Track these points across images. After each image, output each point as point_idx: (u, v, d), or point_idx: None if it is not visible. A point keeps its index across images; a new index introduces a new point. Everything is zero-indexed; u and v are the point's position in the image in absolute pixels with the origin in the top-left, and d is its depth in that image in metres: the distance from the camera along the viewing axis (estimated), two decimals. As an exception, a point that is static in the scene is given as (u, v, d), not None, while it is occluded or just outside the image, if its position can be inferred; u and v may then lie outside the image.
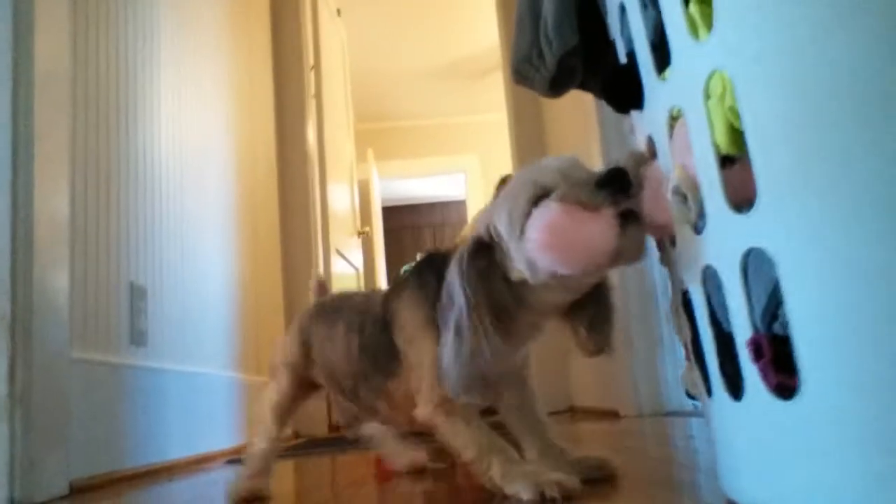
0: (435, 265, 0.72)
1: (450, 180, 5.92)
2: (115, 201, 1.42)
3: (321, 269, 2.74)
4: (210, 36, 2.11)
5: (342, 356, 0.82)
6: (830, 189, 0.43)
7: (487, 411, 0.75)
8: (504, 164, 3.93)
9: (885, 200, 0.41)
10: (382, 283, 4.75)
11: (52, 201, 1.15)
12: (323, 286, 0.96)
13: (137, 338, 1.45)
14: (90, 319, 1.29)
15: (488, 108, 5.11)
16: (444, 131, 5.55)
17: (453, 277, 0.66)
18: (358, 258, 3.49)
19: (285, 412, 0.91)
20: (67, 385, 1.14)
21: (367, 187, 4.48)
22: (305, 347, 0.88)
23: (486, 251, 0.67)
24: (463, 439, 0.69)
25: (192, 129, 1.89)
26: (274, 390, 0.91)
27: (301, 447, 1.92)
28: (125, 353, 1.40)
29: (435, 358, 0.67)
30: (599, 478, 0.74)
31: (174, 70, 1.79)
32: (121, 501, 1.07)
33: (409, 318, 0.73)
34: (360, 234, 3.54)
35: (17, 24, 1.12)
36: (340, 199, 3.19)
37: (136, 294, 1.46)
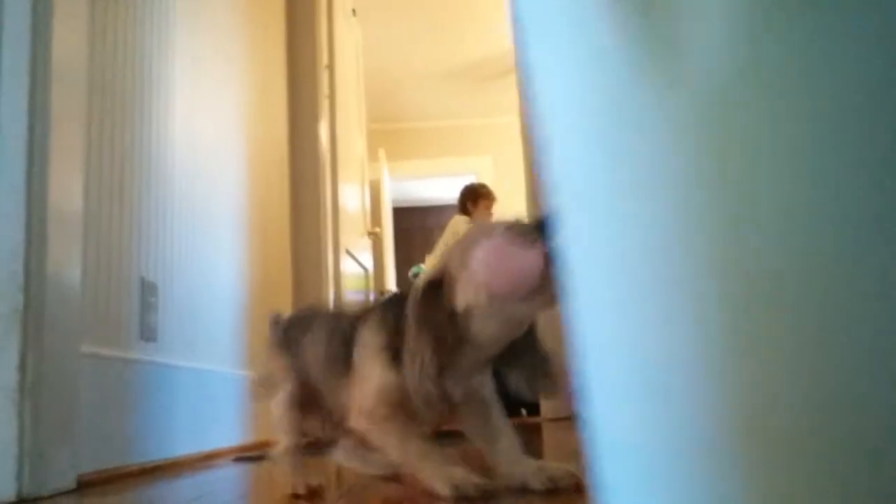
0: (402, 301, 0.82)
1: (461, 182, 5.91)
2: (128, 196, 1.43)
3: (331, 269, 2.74)
4: (225, 33, 2.12)
5: (312, 360, 0.93)
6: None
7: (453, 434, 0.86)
8: (516, 166, 3.93)
9: None
10: (391, 284, 4.76)
11: (67, 195, 1.15)
12: (277, 318, 1.05)
13: (147, 333, 1.45)
14: (101, 314, 1.29)
15: (502, 110, 5.11)
16: (456, 133, 5.55)
17: (408, 310, 0.78)
18: (367, 259, 3.49)
19: (297, 412, 0.97)
20: (77, 379, 1.15)
21: (378, 187, 4.48)
22: (286, 353, 0.98)
23: (437, 288, 0.77)
24: (389, 443, 0.80)
25: (206, 126, 1.90)
26: (280, 395, 0.97)
27: (303, 447, 1.92)
28: (135, 349, 1.40)
29: (378, 377, 0.79)
30: (563, 487, 0.80)
31: (189, 67, 1.79)
32: (128, 496, 1.07)
33: (368, 339, 0.84)
34: (370, 234, 3.54)
35: (35, 19, 1.13)
36: (351, 198, 3.20)
37: (147, 289, 1.46)
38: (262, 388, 1.04)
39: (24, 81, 1.10)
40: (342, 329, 0.89)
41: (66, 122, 1.16)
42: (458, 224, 3.55)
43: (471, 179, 5.60)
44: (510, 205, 4.50)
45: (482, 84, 4.91)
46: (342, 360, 0.87)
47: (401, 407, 0.78)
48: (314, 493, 0.91)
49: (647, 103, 0.28)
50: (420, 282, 0.79)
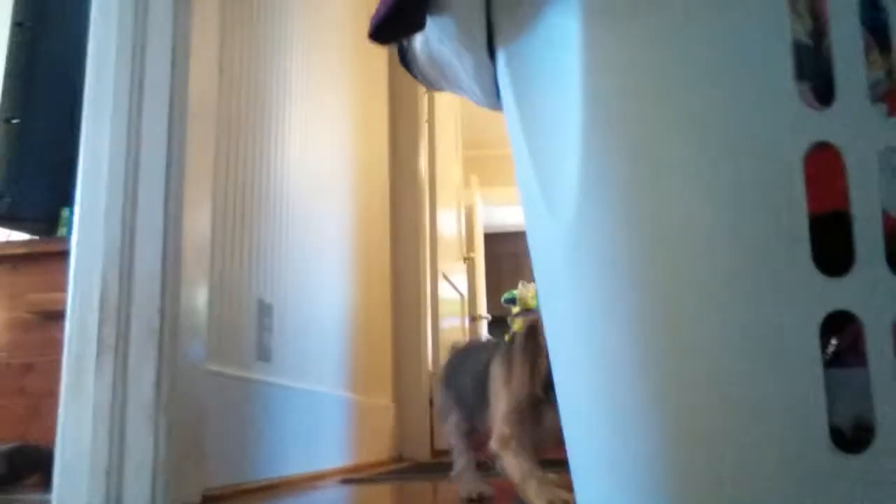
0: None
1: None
2: (248, 222, 1.48)
3: (428, 294, 2.76)
4: (334, 64, 2.19)
5: (462, 388, 1.08)
6: None
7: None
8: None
9: None
10: (483, 309, 4.75)
11: (198, 221, 1.21)
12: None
13: (263, 353, 1.49)
14: (224, 334, 1.34)
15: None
16: (547, 159, 5.51)
17: (516, 343, 0.93)
18: (463, 283, 3.50)
19: (463, 438, 1.12)
20: (203, 397, 1.19)
21: (472, 213, 4.50)
22: (450, 385, 1.13)
23: (534, 334, 0.91)
24: (512, 466, 0.92)
25: (317, 154, 1.96)
26: (451, 420, 1.13)
27: (404, 471, 1.92)
28: (252, 368, 1.44)
29: (505, 406, 0.92)
30: None
31: (303, 100, 1.86)
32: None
33: (497, 373, 0.96)
34: (465, 259, 3.55)
35: (174, 58, 1.20)
36: (448, 224, 3.22)
37: (264, 310, 1.51)
38: (437, 416, 1.22)
39: (164, 115, 1.17)
40: (483, 363, 1.01)
41: (198, 155, 1.22)
42: None
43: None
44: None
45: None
46: (482, 390, 0.99)
47: (521, 428, 0.92)
48: (483, 500, 1.06)
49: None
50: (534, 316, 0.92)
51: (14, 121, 2.00)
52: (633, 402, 0.53)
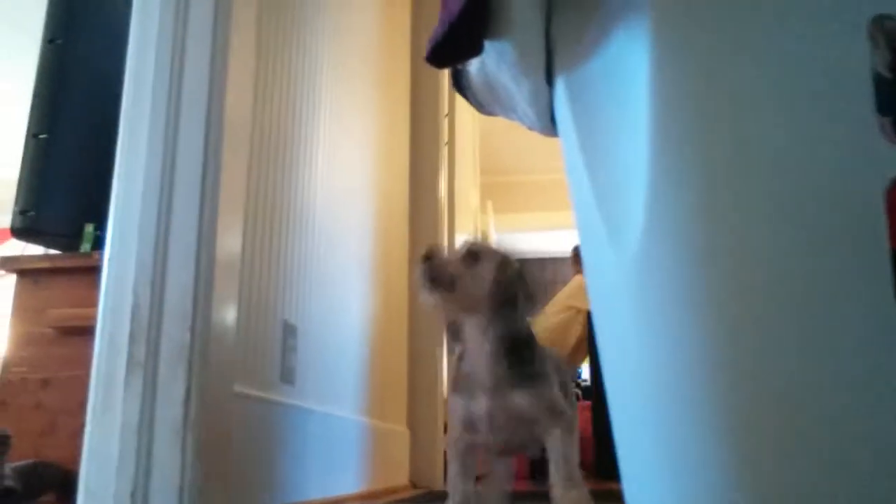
0: None
1: (565, 236, 5.86)
2: (276, 243, 1.48)
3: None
4: (360, 89, 2.20)
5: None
6: None
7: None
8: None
9: None
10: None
11: (230, 240, 1.21)
12: None
13: (287, 375, 1.48)
14: (249, 354, 1.33)
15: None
16: (562, 186, 5.53)
17: None
18: (477, 309, 3.47)
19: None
20: (229, 418, 1.17)
21: (486, 239, 4.49)
22: None
23: None
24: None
25: (342, 176, 1.96)
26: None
27: (419, 499, 1.89)
28: (276, 390, 1.43)
29: None
30: None
31: (331, 123, 1.87)
32: (276, 539, 1.08)
33: None
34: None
35: (212, 78, 1.20)
36: (465, 249, 3.21)
37: (288, 332, 1.50)
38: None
39: (199, 137, 1.17)
40: None
41: (232, 175, 1.22)
42: (574, 283, 3.54)
43: (575, 233, 5.54)
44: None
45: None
46: None
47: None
48: None
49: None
50: None
51: (41, 136, 2.02)
52: (698, 439, 0.51)
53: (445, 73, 3.04)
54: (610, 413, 0.63)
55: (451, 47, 0.66)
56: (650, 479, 0.55)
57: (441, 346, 2.68)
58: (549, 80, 0.69)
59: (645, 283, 0.55)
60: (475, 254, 1.03)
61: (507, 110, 0.75)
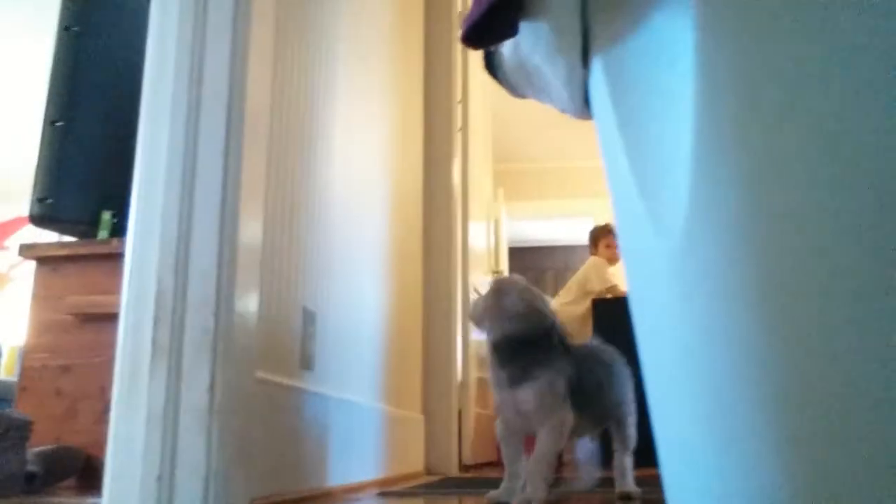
0: None
1: (576, 224, 5.84)
2: (296, 228, 1.48)
3: (459, 306, 2.74)
4: (376, 76, 2.19)
5: None
6: None
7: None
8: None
9: None
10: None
11: (251, 227, 1.20)
12: None
13: (306, 362, 1.48)
14: (270, 340, 1.32)
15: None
16: (573, 174, 5.51)
17: None
18: (491, 297, 3.47)
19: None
20: (252, 404, 1.17)
21: (498, 227, 4.48)
22: None
23: None
24: None
25: (359, 164, 1.95)
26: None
27: (437, 485, 1.89)
28: (296, 376, 1.43)
29: None
30: None
31: (347, 111, 1.86)
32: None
33: None
34: (494, 273, 3.53)
35: (232, 69, 1.19)
36: (478, 236, 3.20)
37: (308, 319, 1.50)
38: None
39: (221, 122, 1.17)
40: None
41: (252, 163, 1.21)
42: (589, 264, 3.55)
43: (586, 221, 5.53)
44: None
45: (602, 125, 4.85)
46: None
47: None
48: None
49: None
50: None
51: (58, 123, 2.02)
52: (744, 425, 0.50)
53: (458, 60, 3.02)
54: (648, 399, 0.62)
55: (488, 28, 0.65)
56: (694, 467, 0.54)
57: (455, 333, 2.68)
58: (585, 60, 0.68)
59: (689, 269, 0.54)
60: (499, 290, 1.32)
61: (540, 92, 0.73)
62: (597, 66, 0.66)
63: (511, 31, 0.65)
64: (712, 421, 0.53)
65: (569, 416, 1.24)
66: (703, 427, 0.53)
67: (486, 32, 0.66)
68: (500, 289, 1.31)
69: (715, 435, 0.52)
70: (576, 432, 1.32)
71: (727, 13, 0.54)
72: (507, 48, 0.71)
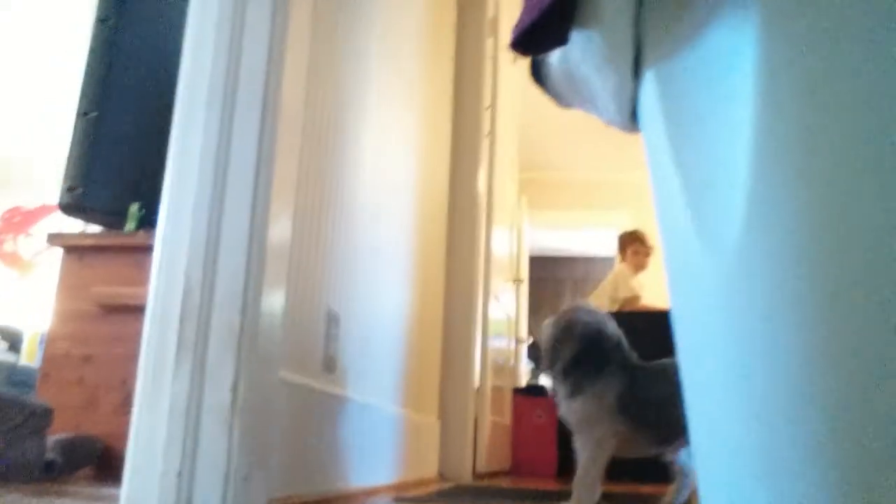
0: None
1: (598, 236, 5.80)
2: (324, 230, 1.47)
3: (479, 313, 2.73)
4: (406, 81, 2.18)
5: None
6: None
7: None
8: (657, 223, 3.78)
9: None
10: (523, 332, 4.69)
11: (280, 227, 1.20)
12: None
13: (328, 363, 1.47)
14: (294, 341, 1.32)
15: (646, 166, 4.99)
16: (596, 186, 5.47)
17: None
18: (511, 305, 3.45)
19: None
20: (274, 404, 1.17)
21: (520, 235, 4.46)
22: None
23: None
24: None
25: (387, 169, 1.95)
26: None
27: (452, 493, 1.88)
28: (318, 378, 1.42)
29: None
30: None
31: (378, 114, 1.85)
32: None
33: None
34: (515, 281, 3.51)
35: (269, 71, 1.19)
36: (501, 244, 3.19)
37: (332, 320, 1.49)
38: None
39: (255, 121, 1.16)
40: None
41: (285, 163, 1.21)
42: (617, 271, 3.55)
43: (608, 233, 5.49)
44: (652, 261, 4.36)
45: (627, 139, 4.82)
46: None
47: None
48: None
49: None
50: None
51: (91, 115, 2.03)
52: (795, 446, 0.48)
53: (489, 65, 3.01)
54: (688, 414, 0.60)
55: (539, 35, 0.64)
56: (738, 487, 0.52)
57: (474, 340, 2.67)
58: (636, 72, 0.66)
59: (743, 286, 0.52)
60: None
61: (587, 103, 0.72)
62: (649, 77, 0.64)
63: (561, 40, 0.64)
64: (759, 440, 0.51)
65: (612, 430, 1.30)
66: (750, 453, 0.51)
67: (535, 39, 0.65)
68: (572, 316, 1.42)
69: (764, 459, 0.50)
70: (634, 449, 1.37)
71: (792, 27, 0.52)
72: (555, 57, 0.69)
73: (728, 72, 0.55)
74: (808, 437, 0.48)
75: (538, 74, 0.73)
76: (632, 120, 0.71)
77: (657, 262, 4.27)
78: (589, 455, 1.29)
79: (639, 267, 3.63)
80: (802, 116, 0.51)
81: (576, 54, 0.67)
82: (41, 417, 1.56)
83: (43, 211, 5.19)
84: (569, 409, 1.33)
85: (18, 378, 2.98)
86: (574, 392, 1.32)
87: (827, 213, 0.49)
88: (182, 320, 1.09)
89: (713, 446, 0.56)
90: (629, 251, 3.68)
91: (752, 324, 0.52)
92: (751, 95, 0.53)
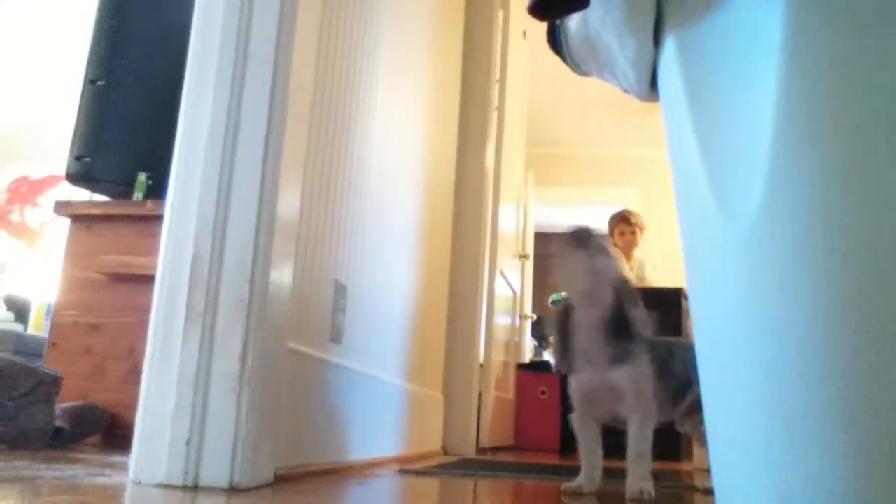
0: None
1: (604, 212, 5.78)
2: (332, 202, 1.46)
3: (485, 288, 2.73)
4: (416, 54, 2.16)
5: None
6: None
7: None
8: (665, 199, 3.76)
9: None
10: (528, 308, 4.69)
11: (289, 198, 1.19)
12: None
13: (336, 335, 1.47)
14: (302, 312, 1.32)
15: (653, 143, 4.95)
16: (604, 162, 5.44)
17: None
18: (517, 281, 3.45)
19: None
20: (282, 375, 1.17)
21: (526, 211, 4.45)
22: None
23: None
24: None
25: (396, 142, 1.93)
26: None
27: (456, 466, 1.89)
28: (325, 349, 1.42)
29: None
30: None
31: (387, 89, 1.83)
32: (327, 496, 1.08)
33: None
34: (521, 257, 3.50)
35: (279, 42, 1.17)
36: (507, 219, 3.18)
37: (339, 292, 1.49)
38: None
39: (265, 92, 1.15)
40: None
41: (294, 135, 1.20)
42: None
43: (615, 210, 5.46)
44: (659, 238, 4.35)
45: (634, 115, 4.78)
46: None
47: None
48: None
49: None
50: None
51: (98, 83, 2.02)
52: (811, 422, 0.48)
53: (498, 39, 2.98)
54: (703, 391, 0.60)
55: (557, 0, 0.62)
56: (755, 465, 0.52)
57: (480, 315, 2.67)
58: (656, 40, 0.65)
59: (761, 255, 0.51)
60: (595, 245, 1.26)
61: (605, 70, 0.71)
62: (669, 46, 0.63)
63: (583, 3, 0.63)
64: (776, 423, 0.50)
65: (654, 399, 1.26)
66: (768, 427, 0.51)
67: (554, 3, 0.63)
68: (605, 263, 1.27)
69: (781, 434, 0.49)
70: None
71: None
72: (574, 22, 0.68)
73: (754, 38, 0.54)
74: (818, 399, 0.47)
75: (555, 41, 0.71)
76: (651, 89, 0.70)
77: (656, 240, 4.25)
78: (648, 423, 1.22)
79: (629, 246, 3.59)
80: (828, 84, 0.50)
81: (595, 19, 0.65)
82: (50, 385, 1.57)
83: (50, 181, 5.19)
84: (614, 377, 1.21)
85: (26, 348, 3.00)
86: (622, 358, 1.21)
87: (849, 180, 0.48)
88: (191, 289, 1.08)
89: (723, 409, 0.56)
90: (616, 234, 3.65)
91: (769, 291, 0.51)
92: (776, 63, 0.51)
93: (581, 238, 1.24)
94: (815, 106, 0.51)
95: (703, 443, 1.44)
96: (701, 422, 1.41)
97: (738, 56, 0.55)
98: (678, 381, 1.30)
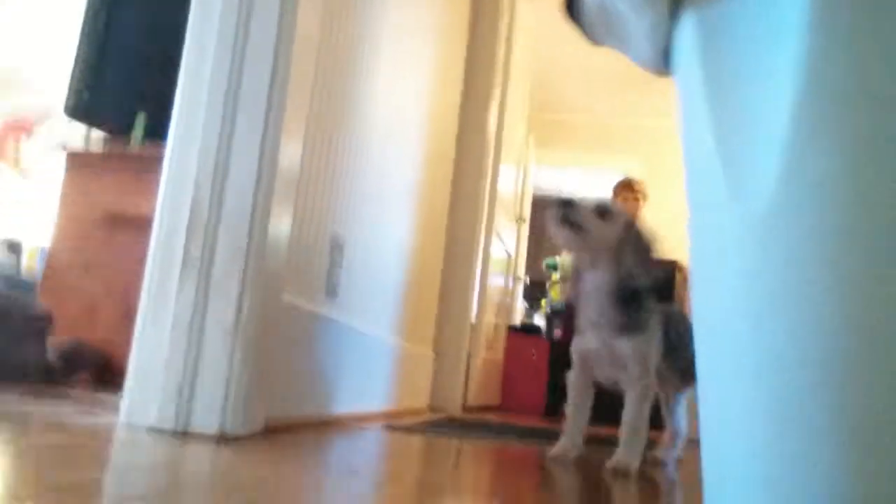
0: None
1: (604, 180, 5.76)
2: (333, 155, 1.45)
3: (481, 250, 2.73)
4: (423, 12, 2.12)
5: None
6: None
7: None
8: (667, 170, 3.75)
9: None
10: (521, 272, 4.71)
11: (291, 147, 1.18)
12: None
13: (331, 289, 1.48)
14: (298, 264, 1.32)
15: (656, 112, 4.91)
16: (606, 130, 5.39)
17: None
18: (512, 244, 3.45)
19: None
20: (276, 326, 1.17)
21: (525, 173, 4.43)
22: None
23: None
24: None
25: (400, 96, 1.91)
26: None
27: (442, 424, 1.91)
28: (321, 303, 1.43)
29: None
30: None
31: (393, 43, 1.80)
32: (317, 444, 1.09)
33: None
34: (518, 220, 3.50)
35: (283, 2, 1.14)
36: (507, 181, 3.16)
37: (336, 246, 1.49)
38: None
39: (270, 36, 1.13)
40: None
41: (298, 85, 1.18)
42: None
43: (615, 177, 5.44)
44: (660, 209, 4.34)
45: (639, 85, 4.73)
46: None
47: None
48: None
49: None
50: None
51: (100, 14, 1.97)
52: (814, 414, 0.48)
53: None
54: (699, 372, 0.61)
55: None
56: (743, 445, 0.52)
57: (474, 276, 2.67)
58: (673, 13, 0.64)
59: (774, 240, 0.51)
60: (607, 211, 1.23)
61: (621, 42, 0.69)
62: (687, 20, 0.62)
63: None
64: (776, 414, 0.51)
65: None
66: (765, 414, 0.51)
67: None
68: (607, 211, 1.24)
69: (779, 422, 0.50)
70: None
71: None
72: None
73: (774, 20, 0.53)
74: (818, 389, 0.48)
75: (572, 10, 0.70)
76: (664, 62, 0.69)
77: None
78: (645, 399, 1.22)
79: (632, 214, 3.58)
80: (850, 65, 0.49)
81: None
82: (41, 320, 1.58)
83: (47, 116, 5.12)
84: (619, 346, 1.21)
85: (18, 286, 2.99)
86: (631, 328, 1.20)
87: (865, 169, 0.48)
88: (188, 236, 1.08)
89: (722, 395, 0.56)
90: (619, 201, 3.64)
91: (776, 278, 0.51)
92: (797, 43, 0.51)
93: (603, 207, 1.24)
94: (836, 89, 0.50)
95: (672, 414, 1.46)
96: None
97: (758, 35, 0.54)
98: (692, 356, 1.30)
